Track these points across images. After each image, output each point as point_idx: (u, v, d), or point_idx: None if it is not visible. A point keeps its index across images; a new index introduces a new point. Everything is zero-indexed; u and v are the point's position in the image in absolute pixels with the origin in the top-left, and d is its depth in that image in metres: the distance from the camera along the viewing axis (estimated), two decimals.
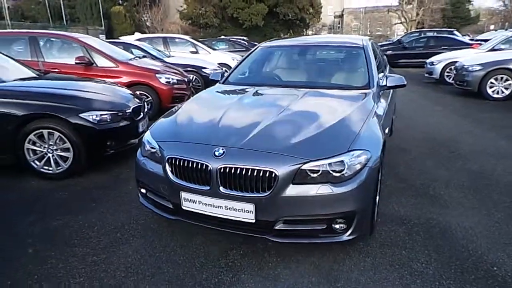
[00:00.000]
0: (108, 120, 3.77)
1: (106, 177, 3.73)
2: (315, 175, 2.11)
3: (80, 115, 3.57)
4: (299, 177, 2.09)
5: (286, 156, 2.11)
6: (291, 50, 3.97)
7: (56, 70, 5.90)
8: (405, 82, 3.30)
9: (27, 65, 4.75)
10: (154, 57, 8.50)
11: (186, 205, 2.30)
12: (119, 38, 12.24)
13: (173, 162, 2.30)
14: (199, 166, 2.19)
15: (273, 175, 2.07)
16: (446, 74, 10.28)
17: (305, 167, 2.09)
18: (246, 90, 3.27)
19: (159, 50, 9.88)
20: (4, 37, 6.29)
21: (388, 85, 3.24)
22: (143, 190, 2.63)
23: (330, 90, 3.14)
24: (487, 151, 4.49)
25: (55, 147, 3.61)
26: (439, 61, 10.52)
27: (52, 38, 6.30)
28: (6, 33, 6.97)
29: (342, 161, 2.13)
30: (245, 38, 22.80)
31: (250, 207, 2.12)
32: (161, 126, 2.69)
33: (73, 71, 5.84)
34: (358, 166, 2.18)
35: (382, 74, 3.37)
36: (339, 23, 64.76)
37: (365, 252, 2.46)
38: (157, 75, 6.24)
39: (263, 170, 2.08)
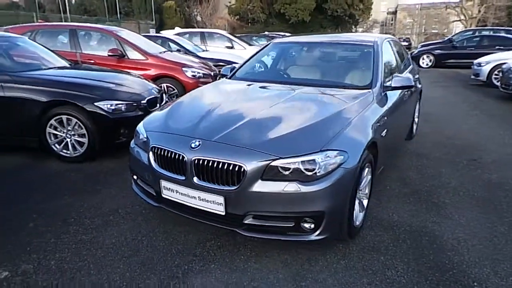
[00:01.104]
0: (123, 110, 3.99)
1: (117, 163, 3.96)
2: (287, 172, 2.12)
3: (96, 103, 3.82)
4: (270, 173, 2.11)
5: (256, 152, 2.14)
6: (301, 48, 3.94)
7: (92, 61, 6.32)
8: (412, 83, 3.15)
9: (61, 55, 5.14)
10: (187, 51, 8.77)
11: (165, 193, 2.41)
12: (160, 32, 12.73)
13: (156, 151, 2.41)
14: (176, 156, 2.28)
15: (242, 169, 2.10)
16: (494, 76, 9.55)
17: (275, 163, 2.10)
18: (245, 85, 3.31)
19: (195, 45, 10.18)
20: (50, 30, 6.83)
21: (393, 85, 3.12)
22: (135, 177, 2.78)
23: (328, 89, 3.09)
24: None
25: (72, 133, 3.90)
26: (487, 62, 9.79)
27: (89, 31, 6.72)
28: (51, 25, 7.55)
29: (313, 160, 2.11)
30: (288, 34, 22.70)
31: (221, 199, 2.18)
32: (153, 117, 2.82)
33: (107, 63, 6.22)
34: (332, 167, 2.15)
35: (396, 74, 3.23)
36: (392, 20, 62.26)
37: (341, 255, 2.42)
38: (183, 69, 6.45)
39: (233, 164, 2.12)
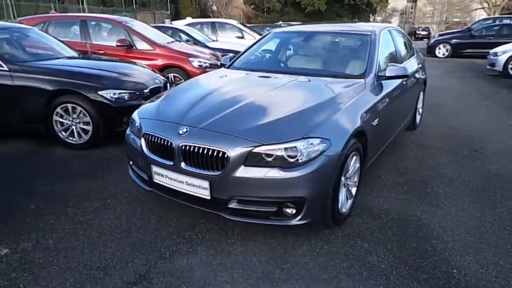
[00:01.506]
0: (126, 98, 4.11)
1: (120, 150, 4.08)
2: (270, 159, 2.18)
3: (99, 92, 3.95)
4: (252, 159, 2.17)
5: (240, 139, 2.20)
6: (299, 37, 3.95)
7: (102, 51, 6.47)
8: (407, 73, 3.14)
9: (69, 45, 5.30)
10: (197, 42, 8.84)
11: (156, 178, 2.51)
12: (172, 22, 12.83)
13: (147, 137, 2.51)
14: (165, 143, 2.38)
15: (225, 155, 2.18)
16: (510, 66, 9.27)
17: (257, 150, 2.16)
18: (241, 74, 3.37)
19: (206, 35, 10.23)
20: (62, 21, 7.02)
21: (387, 75, 3.11)
22: (130, 163, 2.89)
23: (322, 78, 3.11)
24: None
25: (78, 120, 4.05)
26: (504, 51, 9.50)
27: (99, 22, 6.87)
28: (63, 16, 7.74)
29: (295, 147, 2.17)
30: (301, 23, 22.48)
31: (206, 184, 2.26)
32: (148, 105, 2.91)
33: (116, 53, 6.36)
34: (314, 154, 2.19)
35: (392, 63, 3.22)
36: (411, 8, 60.66)
37: (326, 240, 2.48)
38: (190, 59, 6.53)
39: (217, 150, 2.20)
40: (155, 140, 2.44)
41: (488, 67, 10.09)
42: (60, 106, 4.02)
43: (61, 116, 4.07)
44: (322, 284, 2.07)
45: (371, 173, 3.52)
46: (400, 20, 64.11)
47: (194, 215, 2.74)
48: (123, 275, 2.12)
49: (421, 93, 4.95)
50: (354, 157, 2.65)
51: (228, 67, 3.76)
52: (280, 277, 2.13)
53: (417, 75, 4.44)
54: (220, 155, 2.19)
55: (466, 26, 16.38)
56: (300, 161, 2.17)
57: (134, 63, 5.19)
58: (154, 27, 8.52)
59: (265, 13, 40.85)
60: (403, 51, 4.22)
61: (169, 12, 31.40)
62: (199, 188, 2.30)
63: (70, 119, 4.07)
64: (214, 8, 43.18)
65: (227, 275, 2.14)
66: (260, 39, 4.09)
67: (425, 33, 34.98)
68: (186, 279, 2.10)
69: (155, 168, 2.49)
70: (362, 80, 3.00)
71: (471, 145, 4.38)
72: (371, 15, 39.24)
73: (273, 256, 2.32)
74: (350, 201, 2.75)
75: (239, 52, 8.68)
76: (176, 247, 2.40)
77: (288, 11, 36.49)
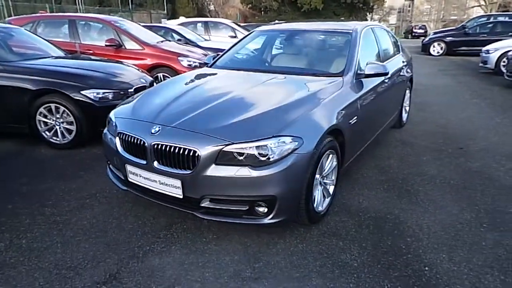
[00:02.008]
0: (110, 98, 4.10)
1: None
2: (241, 157, 2.17)
3: (82, 92, 3.94)
4: (223, 158, 2.17)
5: (210, 137, 2.20)
6: (282, 36, 3.94)
7: (91, 51, 6.45)
8: (387, 71, 3.14)
9: (56, 45, 5.28)
10: (188, 41, 8.83)
11: (131, 177, 2.50)
12: (165, 22, 12.81)
13: (121, 137, 2.51)
14: (138, 142, 2.37)
15: (196, 154, 2.17)
16: (502, 64, 9.26)
17: (227, 148, 2.16)
18: (220, 73, 3.36)
19: (198, 35, 10.22)
20: (51, 20, 7.00)
21: (366, 73, 3.11)
22: (108, 162, 2.88)
23: (300, 76, 3.11)
24: (501, 151, 4.08)
25: (61, 120, 4.04)
26: (496, 49, 9.51)
27: (88, 21, 6.85)
28: (52, 16, 7.71)
29: (266, 146, 2.16)
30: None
31: (178, 183, 2.26)
32: (125, 104, 2.90)
33: (105, 53, 6.34)
34: (286, 152, 2.19)
35: (371, 61, 3.21)
36: (409, 7, 60.65)
37: (301, 239, 2.48)
38: (179, 58, 6.52)
39: (188, 149, 2.19)
40: (129, 139, 2.44)
41: (481, 64, 10.09)
42: (43, 106, 4.00)
43: (45, 116, 4.06)
44: (293, 283, 2.07)
45: (353, 171, 3.52)
46: (398, 18, 64.11)
47: (172, 214, 2.73)
48: (94, 275, 2.11)
49: (408, 91, 4.94)
50: (330, 156, 2.65)
51: (210, 66, 3.76)
52: (251, 276, 2.13)
53: (402, 73, 4.44)
54: (191, 154, 2.19)
55: (461, 24, 16.36)
56: (271, 159, 2.16)
57: (121, 63, 5.18)
58: (146, 26, 8.50)
59: (262, 12, 40.81)
60: (387, 49, 4.21)
61: (165, 12, 31.37)
62: (172, 187, 2.30)
63: (54, 119, 4.06)
64: (212, 7, 43.16)
65: (198, 274, 2.13)
66: (244, 37, 4.09)
67: (422, 31, 34.95)
68: (157, 278, 2.10)
69: (129, 168, 2.48)
70: (340, 78, 2.99)
71: (457, 143, 4.38)
72: (368, 14, 39.19)
73: (246, 255, 2.31)
74: (327, 200, 2.74)
75: None
76: (150, 247, 2.39)
77: (285, 10, 36.43)
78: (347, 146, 2.84)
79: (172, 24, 10.91)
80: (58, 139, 4.11)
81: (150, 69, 6.44)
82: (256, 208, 2.25)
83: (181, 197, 2.29)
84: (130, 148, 2.46)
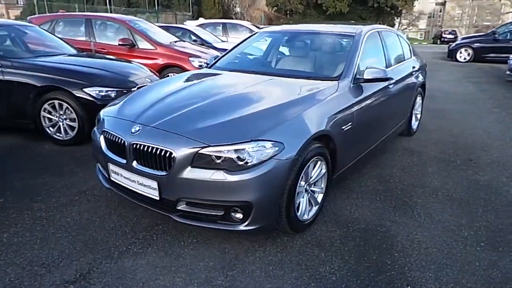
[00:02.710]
0: (113, 96, 4.12)
1: None
2: (219, 160, 2.10)
3: (84, 89, 3.99)
4: (200, 160, 2.11)
5: (187, 139, 2.14)
6: (284, 37, 3.85)
7: (105, 50, 6.57)
8: (387, 76, 2.99)
9: (69, 43, 5.40)
10: (204, 42, 8.86)
11: (113, 176, 2.49)
12: (184, 23, 12.95)
13: (105, 135, 2.50)
14: (119, 140, 2.35)
15: (172, 155, 2.12)
16: None
17: (204, 151, 2.10)
18: (216, 74, 3.31)
19: (216, 36, 10.25)
20: (69, 19, 7.19)
21: (365, 77, 2.98)
22: (97, 161, 2.88)
23: (296, 80, 3.01)
24: None
25: (64, 117, 4.11)
26: None
27: (104, 21, 6.99)
28: (69, 15, 7.90)
29: (243, 150, 2.08)
30: None
31: (155, 184, 2.22)
32: (115, 103, 2.90)
33: (118, 52, 6.44)
34: (265, 157, 2.11)
35: (371, 66, 3.07)
36: (440, 11, 58.93)
37: (282, 248, 2.38)
38: (190, 59, 6.53)
39: (164, 150, 2.15)
40: (111, 138, 2.43)
41: (508, 72, 9.60)
42: (48, 102, 4.08)
43: (49, 112, 4.14)
44: None
45: (350, 180, 3.39)
46: (428, 23, 62.38)
47: (155, 215, 2.67)
48: (65, 273, 2.09)
49: (419, 98, 4.74)
50: (319, 162, 2.54)
51: (210, 67, 3.71)
52: (222, 284, 2.05)
53: (411, 79, 4.25)
54: (167, 155, 2.14)
55: (491, 30, 15.67)
56: (249, 164, 2.08)
57: (130, 62, 5.23)
58: (162, 27, 8.61)
59: (287, 15, 40.75)
60: (395, 53, 4.04)
61: (190, 13, 31.81)
62: (149, 188, 2.26)
63: (57, 115, 4.13)
64: (238, 9, 43.47)
65: (168, 279, 2.08)
66: (247, 38, 4.02)
67: (452, 36, 33.74)
68: (126, 280, 2.06)
69: (111, 166, 2.47)
70: (336, 82, 2.87)
71: (468, 154, 4.15)
72: (396, 18, 38.36)
73: (222, 262, 2.24)
74: (315, 208, 2.63)
75: None
76: (126, 247, 2.36)
77: (310, 13, 36.21)
78: (339, 153, 2.72)
79: (191, 25, 11.01)
80: (61, 135, 4.18)
81: (161, 69, 6.50)
82: (232, 214, 2.17)
83: (158, 198, 2.25)
84: (113, 147, 2.44)
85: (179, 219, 2.26)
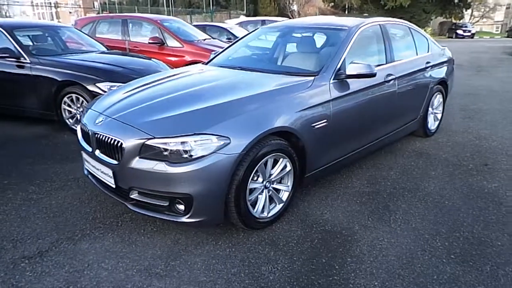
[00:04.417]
0: None
1: None
2: (166, 152, 2.15)
3: (97, 84, 4.29)
4: (147, 151, 2.17)
5: (137, 130, 2.22)
6: (277, 33, 3.77)
7: (137, 48, 6.97)
8: (372, 71, 2.80)
9: (99, 41, 5.83)
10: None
11: (85, 165, 2.67)
12: (225, 22, 13.19)
13: (81, 126, 2.68)
14: (86, 130, 2.51)
15: (122, 145, 2.22)
16: None
17: (149, 142, 2.16)
18: (203, 70, 3.35)
19: None
20: (108, 20, 7.73)
21: (347, 73, 2.83)
22: None
23: (269, 75, 2.94)
24: None
25: (81, 109, 4.45)
26: None
27: (138, 21, 7.40)
28: (109, 16, 8.47)
29: (186, 142, 2.11)
30: None
31: (111, 173, 2.33)
32: (100, 97, 3.07)
33: (149, 50, 6.81)
34: (207, 151, 2.11)
35: (355, 61, 2.91)
36: None
37: (234, 243, 2.37)
38: None
39: (115, 140, 2.25)
40: (83, 128, 2.60)
41: None
42: (67, 96, 4.46)
43: (68, 105, 4.51)
44: (192, 286, 2.00)
45: (337, 180, 3.25)
46: (506, 15, 56.62)
47: None
48: (26, 250, 2.29)
49: (438, 96, 4.36)
50: (281, 159, 2.48)
51: (207, 63, 3.77)
52: (159, 272, 2.10)
53: (425, 75, 3.93)
54: (119, 145, 2.24)
55: None
56: (193, 157, 2.11)
57: (149, 59, 5.48)
58: (198, 26, 8.89)
59: (346, 10, 39.62)
60: (402, 48, 3.77)
61: (245, 12, 32.31)
62: (107, 176, 2.38)
63: (75, 108, 4.49)
64: (294, 7, 43.24)
65: (113, 263, 2.18)
66: (247, 34, 4.02)
67: None
68: (75, 261, 2.19)
69: (84, 155, 2.65)
70: (311, 78, 2.77)
71: (485, 159, 3.74)
72: (463, 10, 35.33)
73: (170, 252, 2.29)
74: (278, 206, 2.58)
75: None
76: (90, 231, 2.51)
77: (367, 8, 34.73)
78: (309, 152, 2.63)
79: (230, 23, 11.20)
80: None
81: (188, 65, 6.71)
82: (176, 205, 2.21)
83: (114, 186, 2.36)
84: (84, 137, 2.62)
85: (132, 208, 2.35)
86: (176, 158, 2.13)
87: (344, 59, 2.95)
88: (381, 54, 3.45)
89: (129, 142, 2.20)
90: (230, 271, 2.12)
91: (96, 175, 2.53)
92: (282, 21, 4.16)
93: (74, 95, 4.42)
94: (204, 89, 2.73)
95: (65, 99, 4.47)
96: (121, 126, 2.31)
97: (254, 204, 2.43)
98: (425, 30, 32.09)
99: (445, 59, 4.47)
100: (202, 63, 3.83)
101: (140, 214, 2.36)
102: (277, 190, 2.58)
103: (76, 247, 2.33)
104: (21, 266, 2.14)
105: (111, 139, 2.28)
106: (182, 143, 2.12)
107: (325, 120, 2.69)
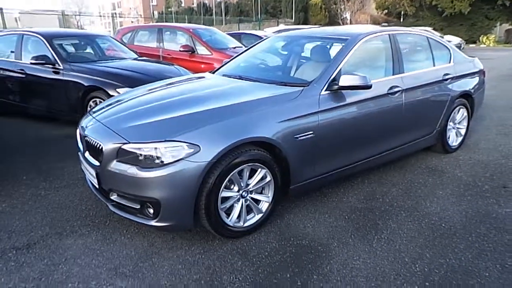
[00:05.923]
0: None
1: None
2: (141, 157, 2.25)
3: (117, 89, 4.55)
4: (124, 156, 2.27)
5: (115, 135, 2.34)
6: (282, 42, 3.74)
7: (170, 56, 7.29)
8: (367, 83, 2.70)
9: (131, 49, 6.19)
10: None
11: (82, 166, 2.85)
12: (264, 30, 13.30)
13: (79, 130, 2.87)
14: (80, 133, 2.69)
15: (102, 149, 2.35)
16: None
17: (125, 147, 2.26)
18: (204, 79, 3.43)
19: None
20: (145, 29, 8.17)
21: (340, 85, 2.75)
22: None
23: (258, 84, 2.95)
24: None
25: None
26: None
27: (172, 30, 7.73)
28: (146, 26, 8.95)
29: (157, 148, 2.18)
30: (429, 29, 20.25)
31: (94, 173, 2.47)
32: (102, 103, 3.27)
33: (181, 57, 7.10)
34: (176, 158, 2.17)
35: (351, 72, 2.82)
36: None
37: (206, 249, 2.39)
38: None
39: (98, 143, 2.39)
40: (80, 130, 2.78)
41: None
42: (92, 100, 4.78)
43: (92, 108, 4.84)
44: None
45: (332, 193, 3.16)
46: None
47: None
48: (18, 241, 2.49)
49: (462, 110, 4.06)
50: (260, 170, 2.47)
51: (214, 72, 3.85)
52: (125, 272, 2.18)
53: (442, 88, 3.69)
54: (100, 147, 2.37)
55: None
56: (164, 162, 2.18)
57: (172, 65, 5.70)
58: (233, 34, 9.08)
59: (401, 18, 38.22)
60: (415, 59, 3.57)
61: (293, 20, 32.39)
62: (92, 176, 2.53)
63: None
64: (347, 15, 42.53)
65: (87, 260, 2.29)
66: (256, 44, 4.04)
67: None
68: (55, 255, 2.34)
69: (80, 156, 2.82)
70: (300, 88, 2.72)
71: (507, 180, 3.40)
72: None
73: (143, 254, 2.36)
74: (257, 216, 2.56)
75: None
76: (79, 228, 2.66)
77: (423, 15, 33.21)
78: (292, 163, 2.59)
79: (268, 31, 11.30)
80: None
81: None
82: (147, 209, 2.29)
83: (97, 187, 2.50)
84: (80, 139, 2.80)
85: (112, 209, 2.47)
86: (149, 163, 2.21)
87: (340, 69, 2.87)
88: (388, 65, 3.30)
89: (107, 146, 2.32)
90: (192, 277, 2.14)
91: (87, 175, 2.69)
92: (290, 31, 4.13)
93: (98, 99, 4.72)
94: (193, 97, 2.80)
95: (91, 103, 4.80)
96: (104, 130, 2.45)
97: (229, 212, 2.44)
98: (487, 38, 30.01)
99: (471, 71, 4.15)
100: (210, 72, 3.92)
101: (117, 215, 2.48)
102: (256, 201, 2.57)
103: (61, 242, 2.49)
104: (7, 256, 2.33)
105: (95, 141, 2.43)
106: (155, 149, 2.20)
107: (311, 132, 2.63)
